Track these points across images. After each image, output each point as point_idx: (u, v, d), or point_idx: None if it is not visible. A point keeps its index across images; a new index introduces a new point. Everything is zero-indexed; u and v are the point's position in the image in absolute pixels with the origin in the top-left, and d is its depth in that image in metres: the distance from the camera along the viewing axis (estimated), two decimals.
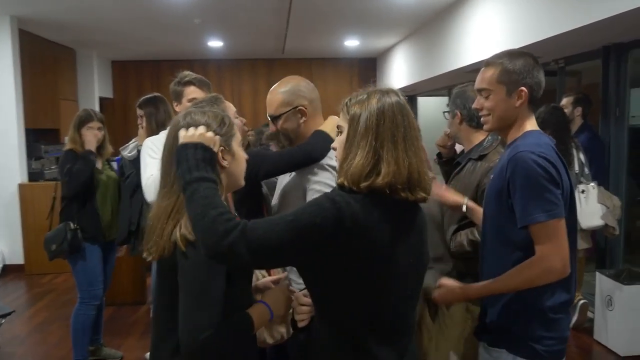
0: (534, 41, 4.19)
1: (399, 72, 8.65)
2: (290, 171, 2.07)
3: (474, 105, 1.90)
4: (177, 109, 2.69)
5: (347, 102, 1.43)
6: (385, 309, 1.35)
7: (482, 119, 1.87)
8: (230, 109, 2.08)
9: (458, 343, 2.07)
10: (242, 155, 1.53)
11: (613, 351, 3.79)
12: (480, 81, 1.83)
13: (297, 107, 2.01)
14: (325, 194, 1.34)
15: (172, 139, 1.47)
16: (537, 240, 1.62)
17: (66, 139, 3.58)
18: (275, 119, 2.03)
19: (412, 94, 9.01)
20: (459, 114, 2.41)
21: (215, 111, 1.53)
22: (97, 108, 8.62)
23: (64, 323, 4.24)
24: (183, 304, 1.33)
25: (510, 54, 1.79)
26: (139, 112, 3.32)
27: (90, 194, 3.41)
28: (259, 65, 10.06)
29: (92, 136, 3.40)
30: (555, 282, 1.65)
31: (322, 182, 1.93)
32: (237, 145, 1.51)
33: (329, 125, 2.06)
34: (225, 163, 1.44)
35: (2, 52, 6.23)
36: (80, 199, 3.38)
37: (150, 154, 2.59)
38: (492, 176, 1.83)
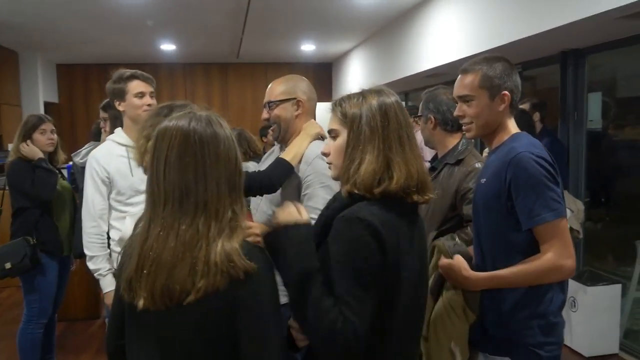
0: (494, 46, 4.22)
1: (355, 77, 8.64)
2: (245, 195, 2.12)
3: (455, 113, 1.87)
4: (120, 107, 2.54)
5: (341, 103, 1.35)
6: (400, 317, 1.28)
7: (464, 127, 1.84)
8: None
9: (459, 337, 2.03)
10: None
11: (578, 352, 3.85)
12: (460, 88, 1.80)
13: (295, 98, 2.13)
14: (345, 219, 1.25)
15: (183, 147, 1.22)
16: (545, 240, 1.61)
17: (10, 147, 3.32)
18: (272, 104, 2.13)
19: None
20: (432, 118, 2.37)
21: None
22: (42, 112, 8.20)
23: (11, 342, 3.94)
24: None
25: (488, 59, 1.78)
26: (102, 114, 3.14)
27: (45, 205, 3.18)
28: (212, 69, 9.85)
29: (46, 140, 3.20)
30: (555, 283, 1.64)
31: (318, 172, 1.97)
32: None
33: (312, 129, 2.08)
34: None
35: None
36: (37, 210, 3.15)
37: (94, 176, 2.43)
38: (482, 180, 1.77)
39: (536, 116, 4.53)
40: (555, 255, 1.59)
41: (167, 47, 8.17)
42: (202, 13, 6.10)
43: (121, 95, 2.54)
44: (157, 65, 9.31)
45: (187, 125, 1.22)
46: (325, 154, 1.39)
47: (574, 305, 3.86)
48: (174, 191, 1.19)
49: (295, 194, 2.03)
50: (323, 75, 10.08)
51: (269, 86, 2.18)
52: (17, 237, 3.15)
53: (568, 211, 3.81)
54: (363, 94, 1.34)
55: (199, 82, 9.86)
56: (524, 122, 3.91)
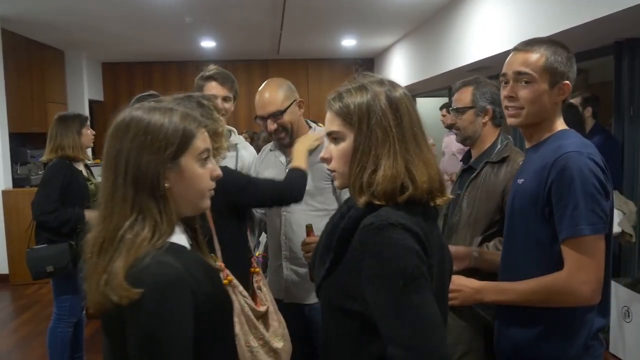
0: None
1: (398, 73, 8.43)
2: (268, 206, 2.19)
3: (506, 93, 1.57)
4: None
5: (339, 99, 1.16)
6: None
7: (509, 111, 1.57)
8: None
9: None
10: (199, 173, 1.17)
11: None
12: (520, 64, 1.52)
13: (296, 99, 2.17)
14: (374, 228, 1.06)
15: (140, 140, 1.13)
16: (569, 256, 1.39)
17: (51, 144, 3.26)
18: (281, 113, 2.11)
19: (410, 94, 8.80)
20: (490, 110, 2.04)
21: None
22: (86, 111, 8.38)
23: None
24: None
25: (552, 42, 1.52)
26: None
27: (84, 206, 3.14)
28: (253, 66, 9.83)
29: (89, 141, 3.28)
30: (593, 306, 1.44)
31: None
32: (191, 159, 1.16)
33: (307, 142, 2.09)
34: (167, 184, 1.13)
35: None
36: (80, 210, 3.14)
37: None
38: (520, 180, 1.56)
39: (588, 112, 4.25)
40: (570, 275, 1.39)
41: (208, 44, 8.18)
42: (239, 9, 6.05)
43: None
44: (199, 63, 9.32)
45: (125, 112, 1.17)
46: (326, 160, 1.20)
47: (628, 316, 3.58)
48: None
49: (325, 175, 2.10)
50: (365, 71, 9.88)
51: (266, 97, 2.14)
52: (59, 236, 3.11)
53: (619, 213, 3.55)
54: (365, 86, 1.16)
55: (241, 80, 9.71)
56: (573, 118, 3.65)
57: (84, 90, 8.61)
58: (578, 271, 1.38)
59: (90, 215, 2.97)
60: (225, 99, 2.40)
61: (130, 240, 1.07)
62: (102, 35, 7.24)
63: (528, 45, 1.54)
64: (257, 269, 1.93)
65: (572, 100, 4.22)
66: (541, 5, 3.98)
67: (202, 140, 1.18)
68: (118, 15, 6.19)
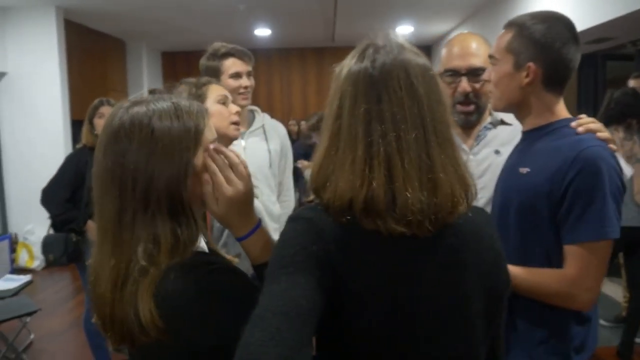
0: (605, 20, 3.70)
1: None
2: None
3: (484, 76, 1.51)
4: None
5: None
6: None
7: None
8: (215, 90, 1.71)
9: None
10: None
11: None
12: (493, 46, 1.46)
13: None
14: None
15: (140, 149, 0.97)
16: (578, 259, 1.27)
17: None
18: (483, 72, 1.67)
19: None
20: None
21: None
22: None
23: None
24: None
25: (535, 16, 1.38)
26: None
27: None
28: (308, 54, 9.77)
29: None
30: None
31: None
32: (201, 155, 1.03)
33: None
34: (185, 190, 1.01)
35: (48, 43, 6.21)
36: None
37: None
38: (523, 170, 1.38)
39: None
40: (577, 280, 1.26)
41: (262, 32, 8.19)
42: None
43: (215, 75, 2.23)
44: (254, 51, 9.34)
45: (118, 109, 1.01)
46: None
47: None
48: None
49: None
50: None
51: (473, 47, 1.69)
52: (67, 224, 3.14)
53: None
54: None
55: (295, 68, 9.83)
56: (632, 102, 3.38)
57: (143, 79, 8.85)
58: (585, 277, 1.27)
59: (93, 228, 2.96)
60: (248, 74, 2.27)
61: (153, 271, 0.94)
62: (160, 25, 7.39)
63: (506, 24, 1.43)
64: None
65: (634, 81, 3.90)
66: None
67: (209, 132, 1.06)
68: (174, 5, 6.28)
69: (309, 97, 9.67)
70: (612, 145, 1.33)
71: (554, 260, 1.33)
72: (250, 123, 2.41)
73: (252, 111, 2.45)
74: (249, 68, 2.27)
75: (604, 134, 1.34)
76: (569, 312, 1.33)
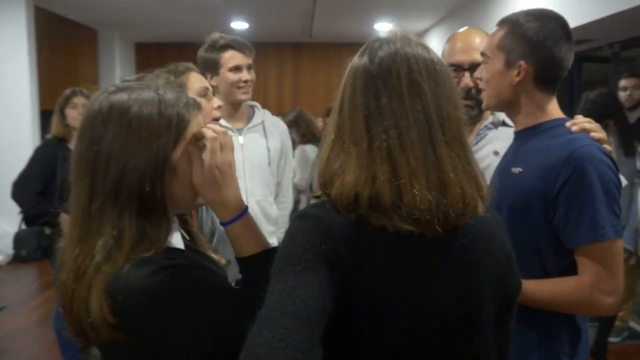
0: (585, 22, 3.72)
1: None
2: None
3: (476, 74, 1.46)
4: (212, 82, 2.15)
5: None
6: None
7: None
8: (196, 82, 1.60)
9: None
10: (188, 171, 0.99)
11: None
12: (485, 44, 1.44)
13: None
14: None
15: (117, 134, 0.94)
16: (590, 263, 1.23)
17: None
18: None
19: None
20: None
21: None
22: None
23: None
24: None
25: (528, 14, 1.36)
26: None
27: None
28: (285, 49, 9.68)
29: (77, 115, 3.06)
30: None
31: None
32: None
33: None
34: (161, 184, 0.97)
35: (16, 30, 6.01)
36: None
37: None
38: (516, 170, 1.34)
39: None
40: (594, 285, 1.23)
41: (240, 25, 8.07)
42: None
43: (214, 68, 2.15)
44: None
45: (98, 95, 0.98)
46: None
47: None
48: None
49: None
50: None
51: (477, 41, 1.67)
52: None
53: None
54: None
55: (271, 62, 9.72)
56: (617, 104, 3.41)
57: (116, 71, 8.64)
58: (603, 280, 1.23)
59: (65, 220, 2.82)
60: (249, 67, 2.17)
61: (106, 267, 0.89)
62: (134, 14, 7.21)
63: (499, 21, 1.40)
64: None
65: (625, 81, 3.93)
66: None
67: (197, 126, 1.00)
68: None
69: (284, 93, 9.59)
70: (606, 146, 1.30)
71: (547, 260, 1.30)
72: (249, 119, 2.31)
73: (252, 107, 2.36)
74: (250, 61, 2.18)
75: (599, 134, 1.31)
76: (560, 317, 1.30)
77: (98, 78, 8.39)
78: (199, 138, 0.99)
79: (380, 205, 0.85)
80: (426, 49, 0.93)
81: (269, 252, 1.00)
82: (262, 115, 2.35)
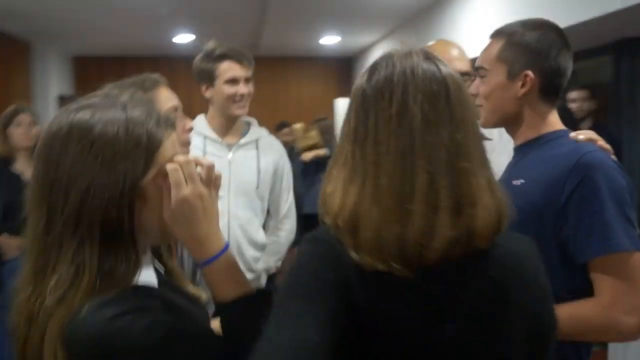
0: None
1: None
2: None
3: (471, 89, 1.38)
4: (207, 94, 2.03)
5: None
6: None
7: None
8: (167, 100, 1.49)
9: None
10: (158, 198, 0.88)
11: None
12: (480, 57, 1.38)
13: None
14: None
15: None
16: (605, 279, 1.14)
17: None
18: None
19: None
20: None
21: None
22: (55, 108, 7.95)
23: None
24: None
25: (525, 24, 1.33)
26: None
27: (14, 221, 2.81)
28: None
29: (22, 134, 2.84)
30: None
31: None
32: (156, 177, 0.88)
33: None
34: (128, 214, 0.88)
35: None
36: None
37: None
38: (517, 182, 1.28)
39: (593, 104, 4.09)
40: (611, 304, 1.13)
41: (185, 38, 7.83)
42: (218, 1, 5.77)
43: (209, 79, 2.02)
44: (173, 59, 8.98)
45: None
46: None
47: None
48: None
49: None
50: (344, 71, 9.66)
51: (462, 51, 1.75)
52: None
53: None
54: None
55: None
56: (569, 116, 3.49)
57: (50, 86, 8.18)
58: (620, 298, 1.13)
59: (6, 243, 2.62)
60: (246, 80, 2.03)
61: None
62: (71, 25, 6.87)
63: (494, 33, 1.36)
64: None
65: (575, 94, 4.06)
66: (536, 3, 3.79)
67: (171, 148, 0.89)
68: (89, 5, 5.83)
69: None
70: (613, 157, 1.26)
71: (555, 279, 1.21)
72: (243, 135, 2.16)
73: (248, 123, 2.21)
74: (248, 73, 2.05)
75: (606, 145, 1.26)
76: (574, 346, 1.22)
77: (31, 94, 7.91)
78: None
79: (353, 237, 0.80)
80: (437, 66, 0.86)
81: (250, 298, 0.89)
82: (257, 133, 2.19)
